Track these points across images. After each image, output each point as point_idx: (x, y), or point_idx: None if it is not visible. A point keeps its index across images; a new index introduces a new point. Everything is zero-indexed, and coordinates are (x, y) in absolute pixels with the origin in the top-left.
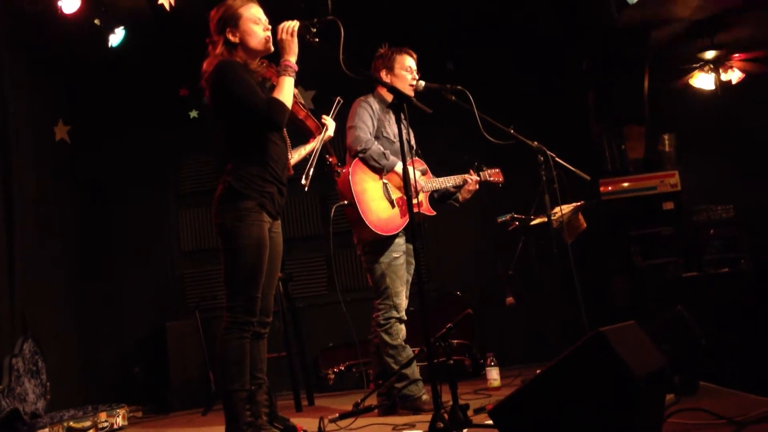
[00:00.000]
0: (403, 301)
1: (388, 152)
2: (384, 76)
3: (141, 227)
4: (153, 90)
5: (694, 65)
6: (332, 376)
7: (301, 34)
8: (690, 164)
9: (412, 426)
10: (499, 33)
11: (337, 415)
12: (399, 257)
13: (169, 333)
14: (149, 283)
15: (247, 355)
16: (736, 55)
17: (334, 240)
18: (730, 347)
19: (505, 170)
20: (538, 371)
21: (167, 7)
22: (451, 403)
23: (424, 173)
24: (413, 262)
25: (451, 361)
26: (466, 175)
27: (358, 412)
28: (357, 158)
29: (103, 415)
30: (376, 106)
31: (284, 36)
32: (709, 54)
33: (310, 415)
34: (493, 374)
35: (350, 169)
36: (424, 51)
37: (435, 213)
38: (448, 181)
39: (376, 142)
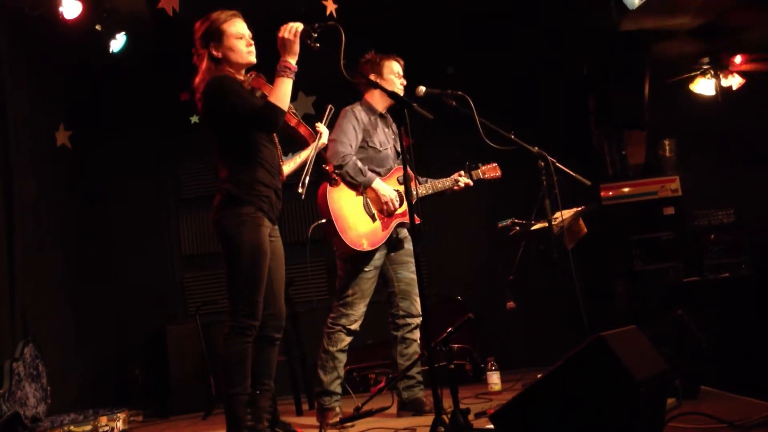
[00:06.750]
0: (357, 313)
1: (365, 168)
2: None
3: (142, 231)
4: (154, 95)
5: (695, 70)
6: None
7: (303, 39)
8: (691, 169)
9: (413, 430)
10: (499, 37)
11: (338, 419)
12: (369, 271)
13: (170, 337)
14: (150, 287)
15: (249, 358)
16: (737, 60)
17: None
18: (731, 351)
19: (506, 175)
20: (539, 376)
21: (169, 12)
22: (452, 407)
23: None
24: (411, 260)
25: (452, 366)
26: (456, 177)
27: (359, 416)
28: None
29: (103, 419)
30: (361, 115)
31: (286, 35)
32: (710, 59)
33: (311, 419)
34: (494, 378)
35: (328, 187)
36: (424, 56)
37: (421, 220)
38: (436, 186)
39: (354, 157)
